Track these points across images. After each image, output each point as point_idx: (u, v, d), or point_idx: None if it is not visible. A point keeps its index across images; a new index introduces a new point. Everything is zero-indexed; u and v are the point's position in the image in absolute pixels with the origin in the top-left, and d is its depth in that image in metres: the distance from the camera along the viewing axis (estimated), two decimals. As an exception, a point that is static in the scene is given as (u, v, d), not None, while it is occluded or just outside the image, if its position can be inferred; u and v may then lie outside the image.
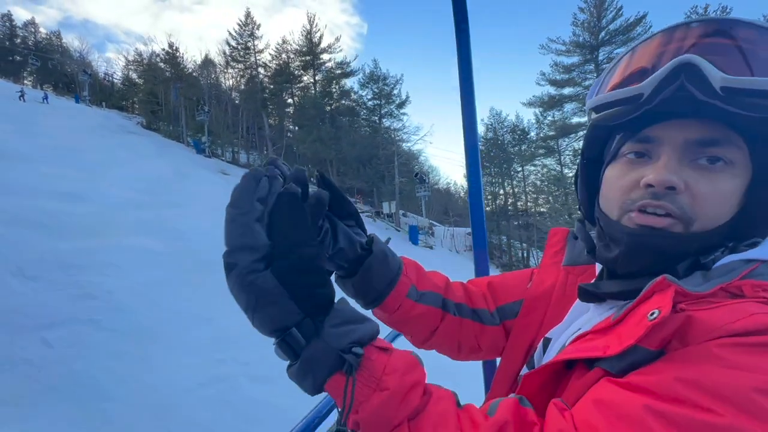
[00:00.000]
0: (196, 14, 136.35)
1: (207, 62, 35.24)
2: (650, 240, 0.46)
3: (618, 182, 0.50)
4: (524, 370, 0.61)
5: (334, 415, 0.81)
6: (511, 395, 0.45)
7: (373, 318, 0.50)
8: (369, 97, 27.97)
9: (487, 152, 27.48)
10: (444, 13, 1.38)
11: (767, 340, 0.35)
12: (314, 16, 28.70)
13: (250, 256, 0.40)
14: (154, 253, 8.39)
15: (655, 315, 0.39)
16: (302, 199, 0.44)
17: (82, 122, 23.23)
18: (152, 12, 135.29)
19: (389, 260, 0.64)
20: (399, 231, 22.15)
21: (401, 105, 26.77)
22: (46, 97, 27.88)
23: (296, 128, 29.90)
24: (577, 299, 0.55)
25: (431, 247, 20.06)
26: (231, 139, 28.62)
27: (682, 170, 0.45)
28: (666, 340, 0.40)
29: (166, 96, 31.48)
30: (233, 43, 30.66)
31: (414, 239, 20.69)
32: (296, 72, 30.17)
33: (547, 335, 0.59)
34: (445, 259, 18.46)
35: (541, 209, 26.94)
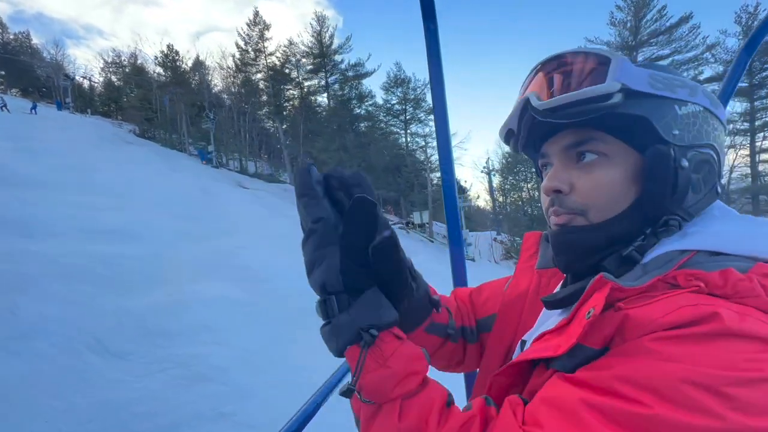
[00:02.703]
0: (163, 8, 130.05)
1: (198, 64, 33.45)
2: (564, 236, 0.55)
3: (541, 195, 0.60)
4: None
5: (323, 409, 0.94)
6: (480, 396, 0.50)
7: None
8: (394, 101, 26.79)
9: (515, 155, 26.80)
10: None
11: (693, 331, 0.39)
12: (324, 15, 27.03)
13: (325, 226, 0.51)
14: (239, 303, 7.22)
15: (590, 314, 0.43)
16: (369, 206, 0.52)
17: (78, 134, 21.44)
18: (114, 5, 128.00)
19: (428, 300, 0.69)
20: (433, 242, 21.25)
21: (430, 111, 25.47)
22: (34, 107, 25.72)
23: (292, 134, 28.42)
24: (542, 300, 0.61)
25: (473, 259, 19.19)
26: (239, 147, 27.00)
27: (568, 173, 0.54)
28: (608, 338, 0.44)
29: (162, 102, 29.61)
30: (242, 44, 28.74)
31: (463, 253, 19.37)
32: (305, 77, 28.59)
33: (524, 337, 0.64)
34: (491, 272, 17.67)
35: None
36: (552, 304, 0.57)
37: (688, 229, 0.51)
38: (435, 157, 27.15)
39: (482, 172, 31.98)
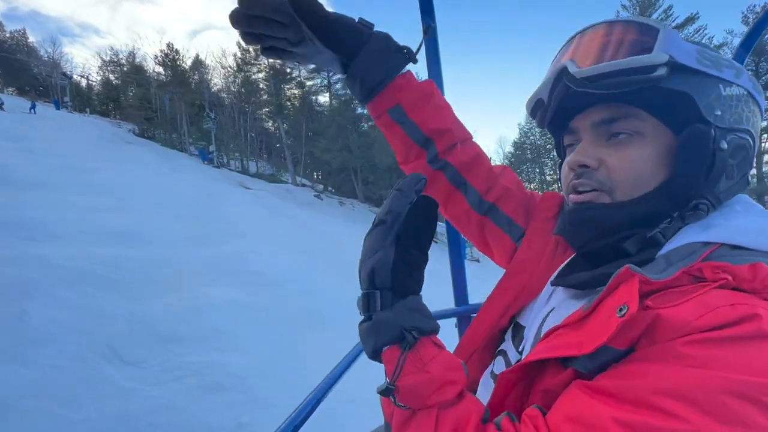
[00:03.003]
0: (159, 5, 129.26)
1: (198, 63, 33.22)
2: (584, 213, 0.53)
3: (562, 171, 0.58)
4: (507, 344, 0.64)
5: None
6: (504, 414, 0.46)
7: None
8: None
9: (519, 155, 26.78)
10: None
11: (730, 333, 0.36)
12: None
13: (394, 220, 0.49)
14: (249, 308, 7.11)
15: (624, 312, 0.40)
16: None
17: (77, 134, 21.20)
18: (110, 3, 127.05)
19: (388, 59, 0.67)
20: (437, 242, 21.16)
21: None
22: (33, 107, 25.38)
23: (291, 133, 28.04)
24: (549, 283, 0.60)
25: (478, 260, 19.01)
26: (240, 147, 26.77)
27: (597, 150, 0.52)
28: (634, 339, 0.41)
29: (162, 101, 29.37)
30: (243, 43, 28.14)
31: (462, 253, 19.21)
32: (307, 76, 28.22)
33: (520, 320, 0.64)
34: (497, 273, 17.30)
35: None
36: (568, 284, 0.55)
37: (711, 222, 0.49)
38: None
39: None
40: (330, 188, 26.57)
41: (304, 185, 25.83)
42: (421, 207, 0.50)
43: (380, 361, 0.49)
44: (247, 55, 28.44)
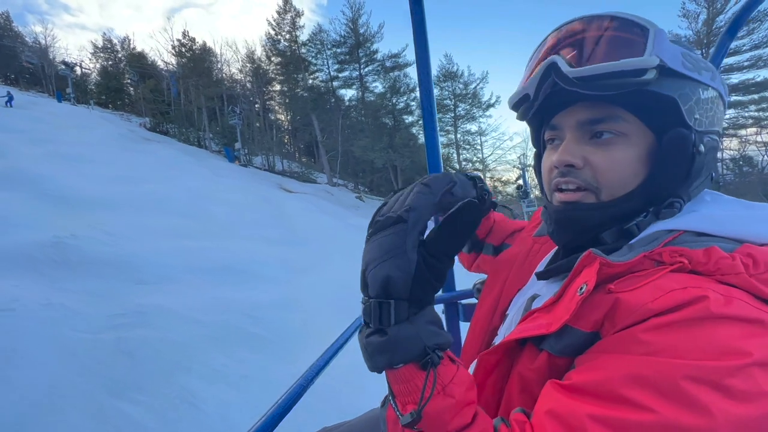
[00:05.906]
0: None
1: (207, 51, 31.54)
2: (570, 213, 0.54)
3: (543, 168, 0.60)
4: (498, 338, 0.67)
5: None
6: (499, 420, 0.47)
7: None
8: (445, 95, 25.02)
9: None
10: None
11: (682, 316, 0.39)
12: (361, 2, 24.98)
13: (417, 220, 0.47)
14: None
15: (583, 289, 0.44)
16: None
17: (98, 133, 19.84)
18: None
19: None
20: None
21: (487, 107, 24.34)
22: (9, 100, 20.29)
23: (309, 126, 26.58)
24: (534, 274, 0.64)
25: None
26: (268, 144, 25.47)
27: (581, 148, 0.53)
28: (599, 322, 0.45)
29: (171, 92, 27.76)
30: (272, 33, 26.54)
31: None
32: (337, 68, 26.69)
33: (508, 313, 0.67)
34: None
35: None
36: (542, 274, 0.59)
37: (681, 212, 0.51)
38: (481, 155, 26.01)
39: (515, 167, 31.17)
40: (361, 187, 25.57)
41: (338, 185, 24.77)
42: (461, 209, 0.47)
43: (379, 372, 0.47)
44: (276, 46, 26.65)
